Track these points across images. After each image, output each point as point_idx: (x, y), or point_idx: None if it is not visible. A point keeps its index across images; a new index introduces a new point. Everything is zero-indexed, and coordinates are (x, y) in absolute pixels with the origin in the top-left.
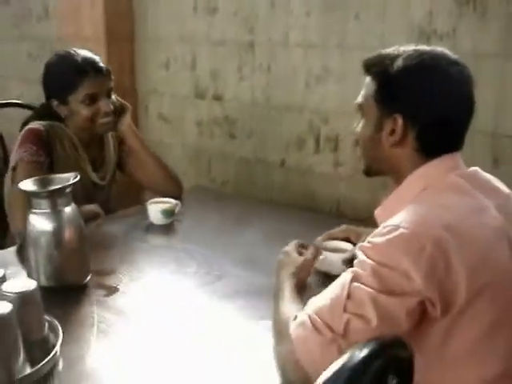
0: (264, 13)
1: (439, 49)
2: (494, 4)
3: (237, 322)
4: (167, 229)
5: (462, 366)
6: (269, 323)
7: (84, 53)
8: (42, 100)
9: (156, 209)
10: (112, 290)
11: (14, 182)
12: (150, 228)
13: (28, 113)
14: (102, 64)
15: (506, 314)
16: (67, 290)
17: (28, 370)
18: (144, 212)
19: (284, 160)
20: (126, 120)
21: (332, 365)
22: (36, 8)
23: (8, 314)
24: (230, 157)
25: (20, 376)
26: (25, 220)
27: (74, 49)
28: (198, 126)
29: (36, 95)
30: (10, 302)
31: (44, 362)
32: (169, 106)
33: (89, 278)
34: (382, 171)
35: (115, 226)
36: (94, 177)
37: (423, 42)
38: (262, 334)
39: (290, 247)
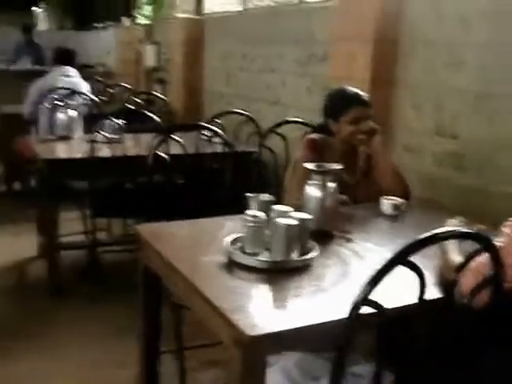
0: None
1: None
2: None
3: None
4: (393, 218)
5: None
6: None
7: (355, 89)
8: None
9: (387, 202)
10: (347, 240)
11: (295, 171)
12: (381, 215)
13: (304, 129)
14: (366, 98)
15: None
16: (322, 234)
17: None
18: (378, 205)
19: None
20: (377, 140)
21: None
22: (318, 52)
23: (294, 224)
24: (456, 186)
25: (293, 259)
26: (300, 191)
27: (348, 86)
28: (432, 157)
29: (307, 119)
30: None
31: (307, 257)
32: (413, 139)
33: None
34: None
35: (357, 211)
36: (346, 178)
37: None
38: None
39: None
